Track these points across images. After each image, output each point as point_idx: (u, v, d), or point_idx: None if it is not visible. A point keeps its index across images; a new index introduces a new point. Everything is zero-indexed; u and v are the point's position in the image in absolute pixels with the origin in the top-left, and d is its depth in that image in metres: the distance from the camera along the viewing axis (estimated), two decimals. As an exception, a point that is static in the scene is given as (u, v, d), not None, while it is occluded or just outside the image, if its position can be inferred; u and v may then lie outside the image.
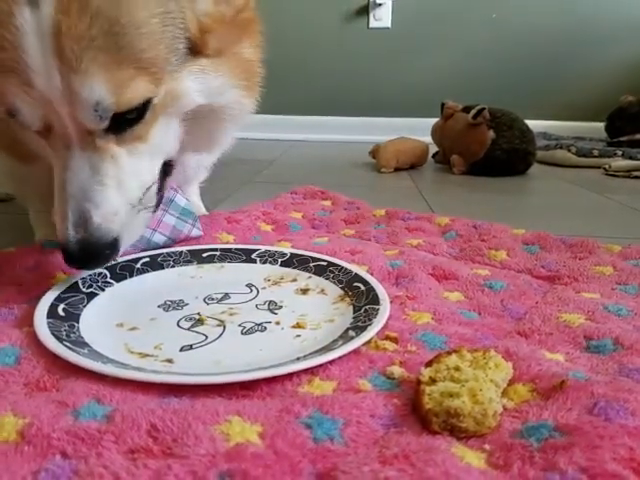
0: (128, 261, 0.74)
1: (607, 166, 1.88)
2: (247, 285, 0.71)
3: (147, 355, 0.53)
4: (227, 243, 0.88)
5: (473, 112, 1.79)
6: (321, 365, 0.50)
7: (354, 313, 0.62)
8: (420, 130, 2.23)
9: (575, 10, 2.81)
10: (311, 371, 0.50)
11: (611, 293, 0.71)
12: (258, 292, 0.69)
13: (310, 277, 0.73)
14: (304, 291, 0.70)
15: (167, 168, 0.69)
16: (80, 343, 0.54)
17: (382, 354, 0.53)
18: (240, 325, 0.60)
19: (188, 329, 0.59)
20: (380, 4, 2.88)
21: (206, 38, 0.62)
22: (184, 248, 0.80)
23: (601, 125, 2.52)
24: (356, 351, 0.53)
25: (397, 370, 0.50)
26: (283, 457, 0.37)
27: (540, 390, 0.46)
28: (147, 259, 0.76)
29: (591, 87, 2.85)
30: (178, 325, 0.60)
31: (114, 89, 0.54)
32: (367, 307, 0.62)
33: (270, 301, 0.66)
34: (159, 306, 0.65)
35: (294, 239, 0.91)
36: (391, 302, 0.64)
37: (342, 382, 0.49)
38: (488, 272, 0.78)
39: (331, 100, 2.98)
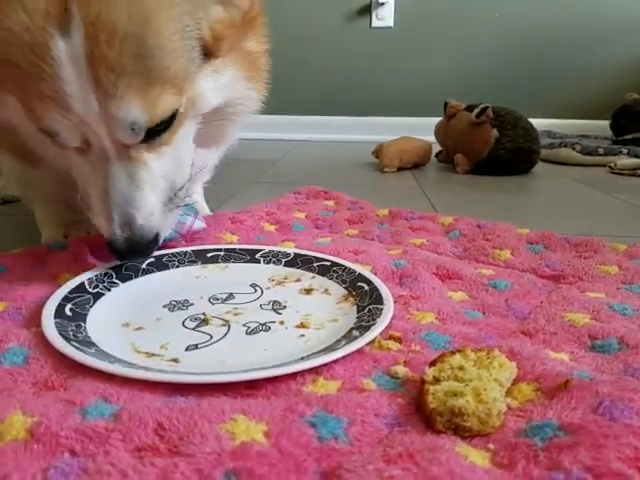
0: (134, 261, 0.74)
1: (612, 164, 1.88)
2: (251, 285, 0.71)
3: (153, 355, 0.54)
4: (231, 243, 0.88)
5: (476, 111, 1.79)
6: (325, 365, 0.50)
7: (358, 313, 0.63)
8: (423, 129, 2.23)
9: (579, 7, 2.80)
10: (315, 371, 0.50)
11: (616, 292, 0.71)
12: (262, 292, 0.70)
13: (314, 277, 0.74)
14: (308, 291, 0.70)
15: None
16: (87, 343, 0.54)
17: (386, 354, 0.54)
18: (245, 325, 0.60)
19: (193, 329, 0.59)
20: (382, 3, 2.88)
21: (219, 43, 0.65)
22: (188, 248, 0.80)
23: (606, 123, 2.51)
24: (360, 351, 0.53)
25: (401, 369, 0.50)
26: (288, 456, 0.38)
27: (544, 389, 0.46)
28: (152, 259, 0.76)
29: (596, 85, 2.84)
30: (183, 325, 0.60)
31: (147, 108, 0.58)
32: (371, 307, 0.63)
33: (274, 301, 0.67)
34: (164, 306, 0.65)
35: (298, 239, 0.91)
36: (395, 302, 0.64)
37: (346, 381, 0.49)
38: (492, 272, 0.78)
39: (334, 100, 2.98)
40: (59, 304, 0.61)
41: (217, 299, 0.67)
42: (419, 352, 0.54)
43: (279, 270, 0.76)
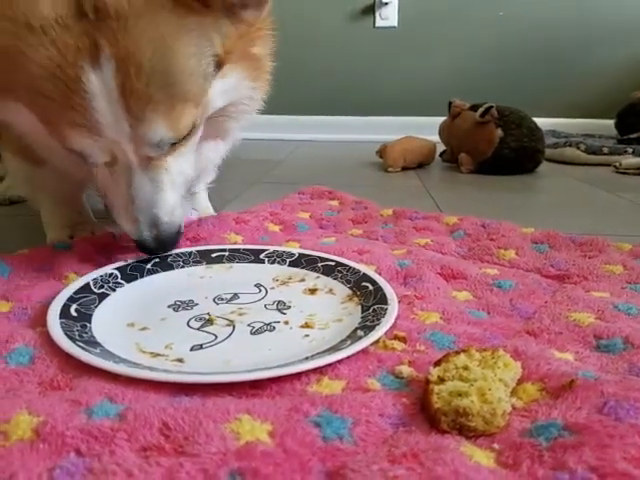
0: (138, 262, 0.75)
1: (617, 164, 1.87)
2: (256, 285, 0.72)
3: (158, 355, 0.54)
4: (235, 243, 0.89)
5: (481, 110, 1.79)
6: (330, 364, 0.50)
7: (362, 313, 0.63)
8: (427, 129, 2.23)
9: (583, 6, 2.79)
10: (320, 370, 0.50)
11: (621, 292, 0.71)
12: (267, 292, 0.70)
13: (318, 277, 0.74)
14: (312, 291, 0.70)
15: None
16: (92, 343, 0.55)
17: (391, 353, 0.54)
18: (249, 325, 0.60)
19: (198, 329, 0.60)
20: (386, 3, 2.88)
21: (229, 55, 0.68)
22: (193, 249, 0.81)
23: (611, 122, 2.50)
24: (365, 351, 0.53)
25: (406, 369, 0.50)
26: (293, 455, 0.38)
27: (549, 389, 0.46)
28: (157, 260, 0.76)
29: (600, 84, 2.84)
30: (188, 325, 0.60)
31: (172, 127, 0.63)
32: (375, 307, 0.63)
33: (279, 301, 0.67)
34: (169, 306, 0.65)
35: (302, 239, 0.91)
36: (399, 302, 0.64)
37: (351, 381, 0.49)
38: (497, 271, 0.78)
39: (337, 100, 2.98)
40: (64, 304, 0.61)
41: (222, 299, 0.67)
42: (424, 352, 0.54)
43: (283, 270, 0.76)
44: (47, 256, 0.77)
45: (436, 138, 2.04)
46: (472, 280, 0.74)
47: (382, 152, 1.94)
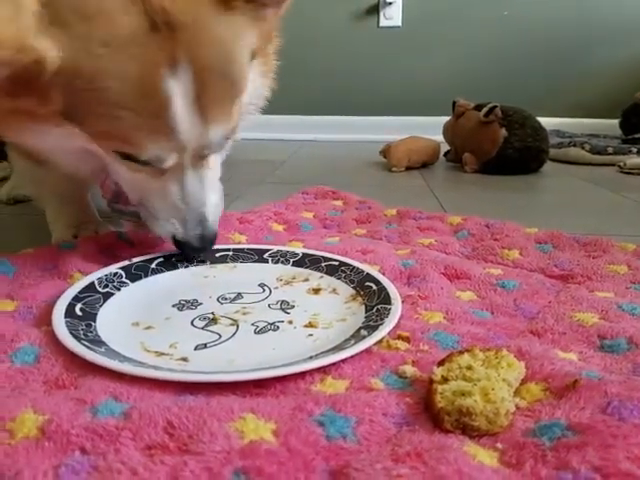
0: (143, 261, 0.75)
1: (622, 163, 1.87)
2: (260, 285, 0.72)
3: (163, 354, 0.54)
4: (239, 243, 0.89)
5: (485, 110, 1.78)
6: (333, 364, 0.51)
7: (366, 312, 0.63)
8: (431, 129, 2.23)
9: (587, 6, 2.78)
10: (324, 370, 0.50)
11: (625, 292, 0.71)
12: (270, 292, 0.70)
13: (322, 277, 0.74)
14: (316, 291, 0.70)
15: None
16: (97, 342, 0.55)
17: (394, 353, 0.54)
18: (253, 324, 0.61)
19: (202, 328, 0.60)
20: (390, 3, 2.88)
21: (256, 54, 0.70)
22: (197, 248, 0.81)
23: (615, 122, 2.49)
24: (368, 350, 0.54)
25: (409, 369, 0.50)
26: (296, 454, 0.38)
27: (553, 389, 0.46)
28: (161, 259, 0.77)
29: (605, 84, 2.83)
30: (192, 324, 0.61)
31: (230, 124, 0.67)
32: (379, 306, 0.63)
33: (282, 301, 0.67)
34: (173, 305, 0.65)
35: (306, 239, 0.92)
36: (403, 301, 0.64)
37: (354, 381, 0.49)
38: (501, 271, 0.78)
39: (341, 99, 2.98)
40: (69, 303, 0.61)
41: (226, 299, 0.67)
42: (427, 352, 0.54)
43: (287, 270, 0.76)
44: (52, 255, 0.77)
45: (440, 138, 2.04)
46: (476, 280, 0.74)
47: (386, 152, 1.94)
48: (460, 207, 1.24)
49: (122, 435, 0.39)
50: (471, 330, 0.59)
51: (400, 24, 2.91)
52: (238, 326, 0.60)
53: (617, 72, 2.81)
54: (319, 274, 0.74)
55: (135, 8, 0.55)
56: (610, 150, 2.03)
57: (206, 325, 0.60)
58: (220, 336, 0.58)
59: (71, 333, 0.54)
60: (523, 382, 0.47)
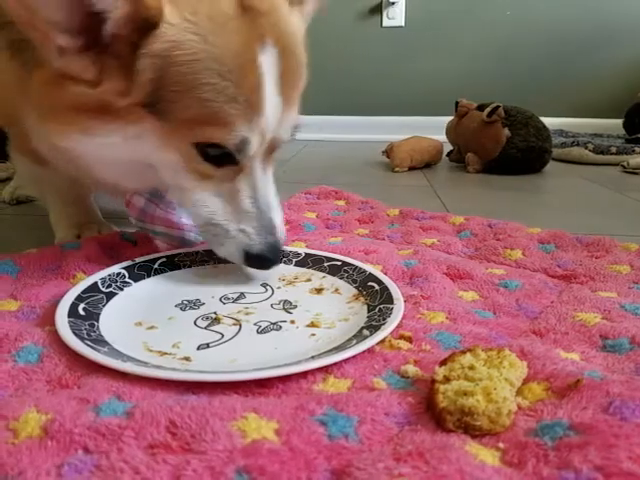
0: (146, 261, 0.75)
1: (625, 163, 1.86)
2: (262, 285, 0.72)
3: (165, 353, 0.54)
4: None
5: (488, 110, 1.78)
6: (336, 364, 0.51)
7: (368, 312, 0.63)
8: (434, 129, 2.23)
9: (591, 7, 2.78)
10: (326, 369, 0.50)
11: (628, 292, 0.70)
12: (273, 292, 0.70)
13: (324, 277, 0.74)
14: (318, 290, 0.70)
15: None
16: (100, 341, 0.55)
17: (396, 353, 0.54)
18: (256, 324, 0.61)
19: (205, 328, 0.60)
20: (393, 3, 2.88)
21: None
22: (200, 248, 0.81)
23: (619, 122, 2.49)
24: (370, 350, 0.54)
25: (411, 369, 0.50)
26: (299, 454, 0.38)
27: (555, 389, 0.46)
28: (164, 259, 0.77)
29: (608, 83, 2.82)
30: (195, 324, 0.61)
31: (298, 117, 0.69)
32: (381, 306, 0.63)
33: (285, 300, 0.67)
34: (176, 305, 0.66)
35: (308, 239, 0.92)
36: (405, 301, 0.64)
37: (357, 380, 0.49)
38: (503, 271, 0.78)
39: (344, 99, 2.98)
40: (72, 303, 0.62)
41: (228, 298, 0.68)
42: (429, 351, 0.55)
43: (290, 270, 0.76)
44: (55, 255, 0.78)
45: (443, 138, 2.04)
46: (478, 280, 0.74)
47: (389, 152, 1.94)
48: (463, 207, 1.24)
49: (125, 434, 0.40)
50: (473, 330, 0.59)
51: (403, 24, 2.91)
52: (241, 326, 0.60)
53: (620, 72, 2.81)
54: (321, 274, 0.74)
55: None
56: (613, 150, 2.02)
57: (209, 325, 0.61)
58: (223, 336, 0.58)
59: (74, 333, 0.55)
60: (525, 382, 0.47)
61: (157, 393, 0.46)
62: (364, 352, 0.53)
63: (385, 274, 0.73)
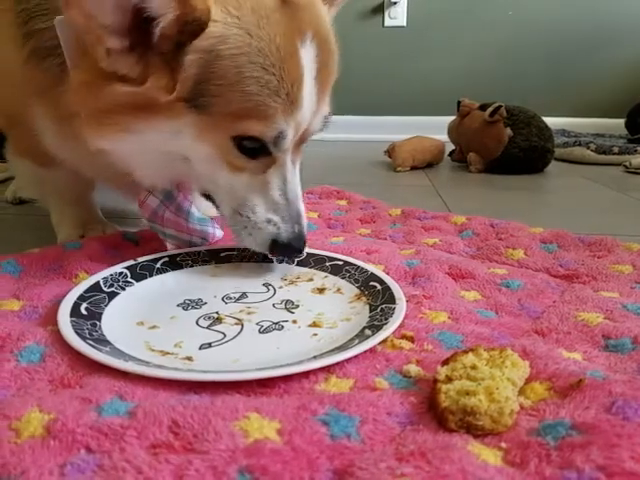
0: (148, 261, 0.75)
1: (627, 163, 1.86)
2: (264, 284, 0.72)
3: (167, 353, 0.54)
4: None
5: (490, 110, 1.78)
6: (338, 363, 0.51)
7: (370, 312, 0.63)
8: (436, 128, 2.23)
9: (593, 7, 2.78)
10: (328, 369, 0.50)
11: (630, 292, 0.70)
12: (275, 291, 0.70)
13: (326, 276, 0.74)
14: (320, 290, 0.70)
15: None
16: (102, 341, 0.55)
17: (398, 353, 0.54)
18: (258, 324, 0.61)
19: (207, 327, 0.60)
20: (395, 2, 2.88)
21: None
22: (202, 248, 0.81)
23: (621, 122, 2.49)
24: (372, 350, 0.54)
25: (413, 368, 0.50)
26: (301, 453, 0.38)
27: (557, 389, 0.46)
28: (166, 259, 0.77)
29: (611, 83, 2.82)
30: (197, 324, 0.61)
31: (328, 112, 0.72)
32: (383, 306, 0.63)
33: (287, 300, 0.67)
34: (178, 305, 0.66)
35: (310, 239, 0.91)
36: (407, 301, 0.64)
37: (359, 380, 0.49)
38: (505, 271, 0.78)
39: (346, 99, 2.97)
40: (75, 303, 0.62)
41: (230, 298, 0.68)
42: (431, 351, 0.54)
43: (292, 269, 0.76)
44: (57, 255, 0.78)
45: (445, 138, 2.04)
46: (480, 280, 0.74)
47: (391, 152, 1.94)
48: (465, 207, 1.24)
49: (127, 434, 0.40)
50: (475, 330, 0.59)
51: (405, 24, 2.91)
52: (243, 325, 0.60)
53: (622, 72, 2.80)
54: (323, 274, 0.74)
55: None
56: (615, 150, 2.02)
57: (211, 324, 0.61)
58: (225, 335, 0.58)
59: (76, 332, 0.55)
60: (527, 381, 0.47)
61: (159, 393, 0.46)
62: (366, 352, 0.53)
63: (387, 274, 0.72)
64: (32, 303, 0.64)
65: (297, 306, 0.65)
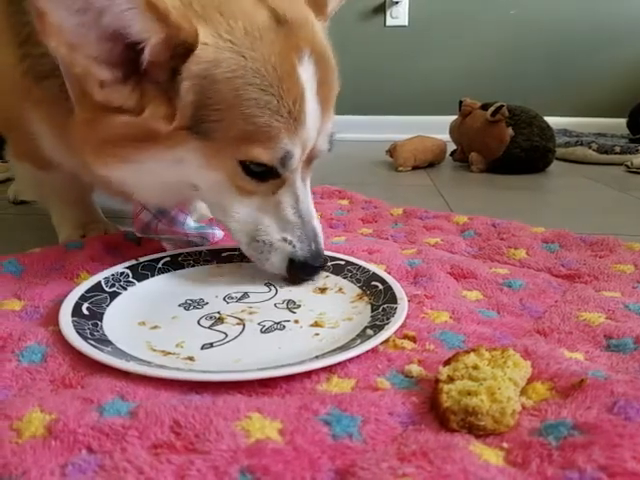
0: (149, 261, 0.75)
1: (629, 163, 1.86)
2: (266, 284, 0.72)
3: (169, 353, 0.54)
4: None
5: (492, 109, 1.78)
6: (339, 363, 0.51)
7: (372, 312, 0.63)
8: (438, 128, 2.23)
9: (595, 7, 2.77)
10: (330, 369, 0.50)
11: (632, 292, 0.70)
12: (277, 291, 0.70)
13: (328, 276, 0.74)
14: (322, 290, 0.70)
15: None
16: (104, 341, 0.55)
17: (400, 353, 0.54)
18: (259, 324, 0.61)
19: (208, 327, 0.60)
20: (397, 2, 2.88)
21: None
22: (204, 248, 0.81)
23: (623, 121, 2.48)
24: (374, 350, 0.54)
25: (415, 368, 0.50)
26: (303, 453, 0.38)
27: (559, 389, 0.46)
28: (168, 259, 0.77)
29: (612, 83, 2.81)
30: (199, 324, 0.61)
31: (333, 127, 0.70)
32: (385, 306, 0.63)
33: (289, 300, 0.67)
34: (180, 305, 0.66)
35: (312, 238, 0.91)
36: (409, 301, 0.64)
37: (360, 380, 0.49)
38: (507, 271, 0.77)
39: (347, 99, 2.96)
40: (76, 303, 0.62)
41: (232, 298, 0.68)
42: (433, 351, 0.54)
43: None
44: (59, 255, 0.78)
45: (447, 137, 2.04)
46: (482, 279, 0.74)
47: (392, 151, 1.94)
48: (466, 206, 1.24)
49: (128, 434, 0.40)
50: (477, 329, 0.59)
51: (406, 23, 2.91)
52: (244, 325, 0.60)
53: (624, 71, 2.80)
54: (325, 273, 0.74)
55: (263, 5, 0.61)
56: (617, 149, 2.02)
57: (212, 324, 0.61)
58: (226, 335, 0.58)
59: (78, 332, 0.55)
60: (529, 381, 0.47)
61: (161, 393, 0.46)
62: (368, 352, 0.53)
63: (389, 274, 0.72)
64: (33, 303, 0.64)
65: (299, 306, 0.65)
